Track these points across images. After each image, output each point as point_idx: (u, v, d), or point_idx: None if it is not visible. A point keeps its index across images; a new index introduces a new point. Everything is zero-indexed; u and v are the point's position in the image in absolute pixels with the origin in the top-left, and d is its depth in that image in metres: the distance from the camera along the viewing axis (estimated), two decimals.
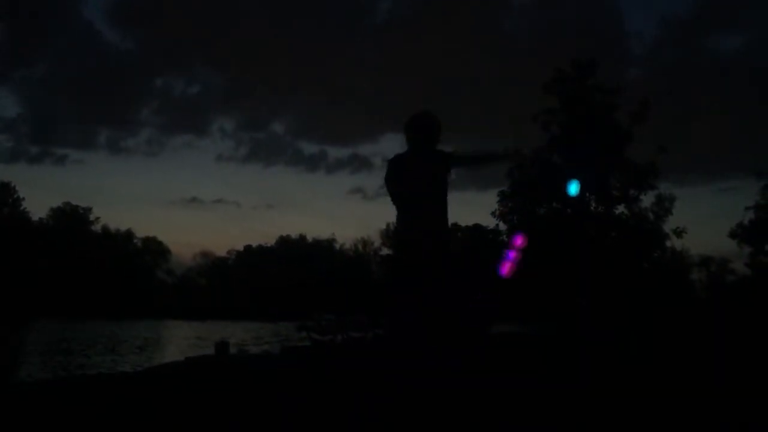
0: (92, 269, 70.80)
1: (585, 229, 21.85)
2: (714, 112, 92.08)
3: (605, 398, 4.78)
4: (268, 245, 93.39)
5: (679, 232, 22.78)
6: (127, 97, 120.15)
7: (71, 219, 78.54)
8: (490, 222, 29.38)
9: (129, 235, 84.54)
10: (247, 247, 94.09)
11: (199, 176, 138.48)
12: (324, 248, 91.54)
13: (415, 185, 3.62)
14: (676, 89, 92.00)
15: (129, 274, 76.09)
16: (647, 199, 23.01)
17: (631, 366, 7.60)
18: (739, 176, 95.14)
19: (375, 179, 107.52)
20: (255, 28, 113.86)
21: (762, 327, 18.06)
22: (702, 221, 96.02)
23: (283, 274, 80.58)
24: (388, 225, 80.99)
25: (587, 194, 22.85)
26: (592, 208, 22.90)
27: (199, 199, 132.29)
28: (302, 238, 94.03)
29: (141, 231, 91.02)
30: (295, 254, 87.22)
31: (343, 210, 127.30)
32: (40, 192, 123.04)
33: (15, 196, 72.07)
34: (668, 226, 23.03)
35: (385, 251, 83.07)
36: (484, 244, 59.60)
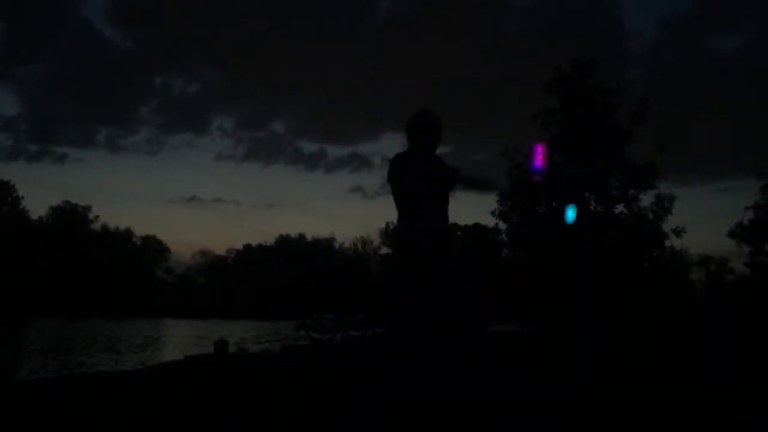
0: (92, 268, 70.79)
1: (584, 228, 21.85)
2: (714, 112, 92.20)
3: (605, 398, 4.78)
4: (268, 244, 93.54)
5: (678, 232, 22.79)
6: (127, 96, 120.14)
7: (71, 218, 78.52)
8: (489, 221, 29.37)
9: (128, 233, 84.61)
10: (247, 246, 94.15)
11: (199, 175, 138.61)
12: (323, 247, 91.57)
13: (416, 185, 3.61)
14: (676, 89, 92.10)
15: (128, 273, 76.09)
16: (647, 199, 23.03)
17: (631, 366, 7.60)
18: (739, 176, 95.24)
19: (375, 178, 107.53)
20: (255, 28, 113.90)
21: (761, 327, 18.07)
22: (702, 221, 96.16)
23: (283, 274, 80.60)
24: (387, 224, 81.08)
25: (587, 194, 22.86)
26: (591, 207, 22.91)
27: (198, 198, 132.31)
28: (302, 237, 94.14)
29: (140, 230, 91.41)
30: (295, 253, 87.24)
31: (343, 209, 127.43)
32: (40, 190, 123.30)
33: (14, 194, 72.10)
34: (668, 226, 23.05)
35: (385, 250, 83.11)
36: (483, 243, 59.70)
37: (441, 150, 3.86)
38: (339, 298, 61.90)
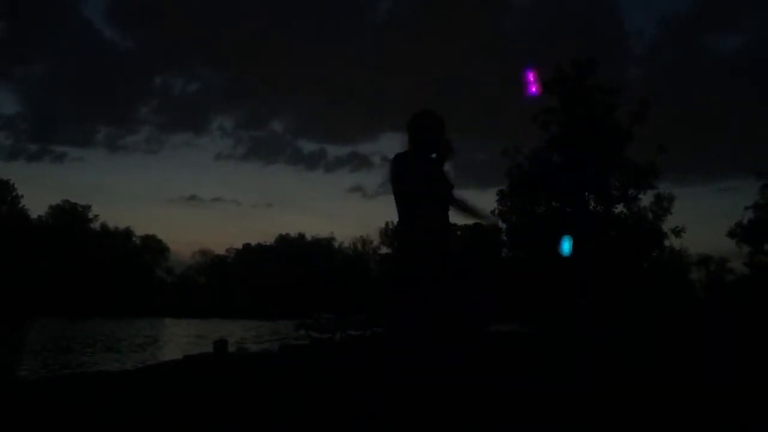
0: (91, 268, 70.78)
1: (584, 228, 21.86)
2: (714, 112, 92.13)
3: (605, 398, 4.78)
4: (267, 244, 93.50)
5: (677, 232, 22.82)
6: (127, 96, 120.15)
7: (70, 217, 78.48)
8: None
9: (128, 233, 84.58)
10: (246, 246, 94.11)
11: (199, 175, 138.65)
12: (323, 247, 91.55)
13: (416, 185, 3.61)
14: (676, 89, 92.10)
15: (128, 272, 76.09)
16: (646, 199, 23.06)
17: (631, 366, 7.60)
18: (739, 176, 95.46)
19: (374, 178, 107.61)
20: (255, 28, 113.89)
21: (761, 326, 18.08)
22: (701, 221, 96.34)
23: (282, 273, 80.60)
24: (387, 224, 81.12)
25: (587, 194, 22.87)
26: (591, 207, 22.92)
27: (198, 198, 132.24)
28: (301, 236, 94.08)
29: (140, 229, 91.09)
30: (294, 253, 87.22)
31: (343, 208, 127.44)
32: (39, 190, 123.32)
33: (14, 193, 72.01)
34: (667, 226, 23.08)
35: (384, 250, 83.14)
36: (483, 243, 59.70)
37: None
38: (339, 297, 61.91)
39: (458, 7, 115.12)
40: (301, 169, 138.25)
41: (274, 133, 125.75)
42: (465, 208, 3.89)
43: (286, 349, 13.16)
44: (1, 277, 56.82)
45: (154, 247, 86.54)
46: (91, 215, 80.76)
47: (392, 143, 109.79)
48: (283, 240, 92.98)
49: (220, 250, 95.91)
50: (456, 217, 3.83)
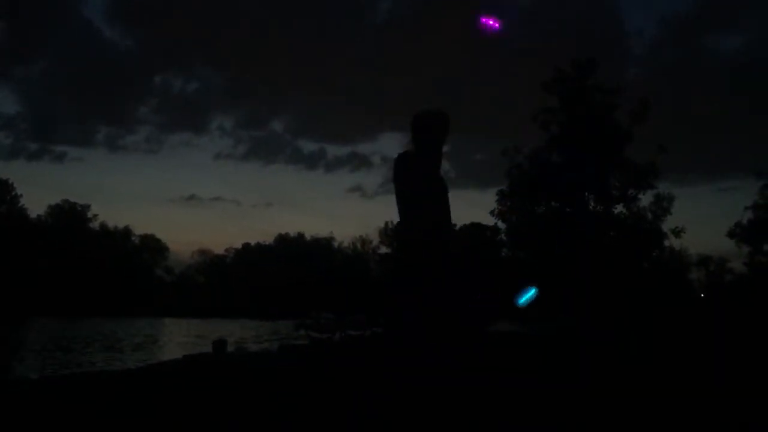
0: (91, 267, 70.74)
1: (584, 228, 21.85)
2: (714, 112, 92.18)
3: (605, 398, 4.77)
4: (267, 243, 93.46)
5: (677, 232, 22.79)
6: (126, 96, 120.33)
7: (69, 216, 78.45)
8: (489, 221, 29.39)
9: (127, 232, 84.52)
10: (246, 246, 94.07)
11: (198, 174, 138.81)
12: (323, 247, 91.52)
13: (417, 185, 3.61)
14: (676, 89, 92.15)
15: (128, 272, 76.05)
16: (646, 199, 23.03)
17: (631, 366, 7.60)
18: (739, 176, 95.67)
19: (374, 178, 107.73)
20: (255, 28, 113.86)
21: (760, 326, 18.08)
22: (701, 221, 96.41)
23: (282, 273, 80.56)
24: (386, 223, 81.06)
25: (587, 194, 22.87)
26: (591, 207, 22.91)
27: (197, 197, 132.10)
28: (301, 236, 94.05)
29: (139, 229, 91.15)
30: (294, 253, 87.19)
31: (342, 208, 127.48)
32: (39, 189, 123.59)
33: (13, 193, 71.93)
34: (667, 226, 23.06)
35: (384, 250, 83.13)
36: (483, 243, 59.67)
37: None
38: (338, 297, 61.85)
39: (458, 7, 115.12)
40: (301, 169, 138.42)
41: (274, 133, 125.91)
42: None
43: (285, 349, 13.16)
44: (0, 276, 56.79)
45: (153, 246, 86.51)
46: (90, 215, 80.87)
47: (392, 143, 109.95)
48: (283, 240, 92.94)
49: (220, 250, 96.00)
50: (453, 215, 3.82)
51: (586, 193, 22.85)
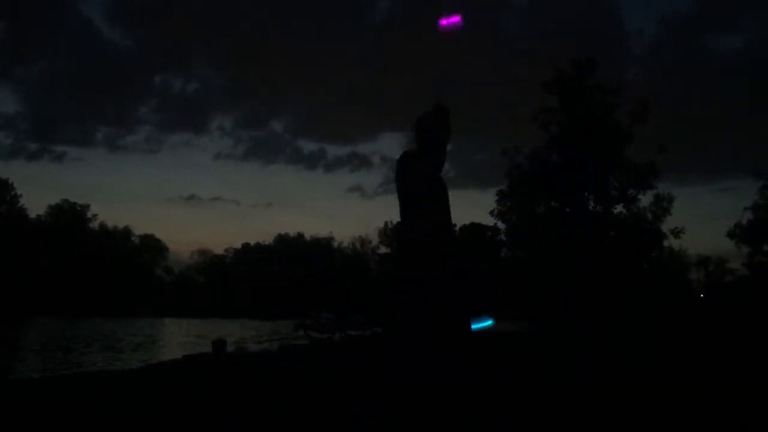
0: (91, 267, 70.73)
1: (584, 228, 21.86)
2: (714, 112, 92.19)
3: (605, 398, 4.77)
4: (267, 243, 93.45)
5: (677, 233, 22.81)
6: (126, 95, 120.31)
7: (69, 216, 78.44)
8: (489, 221, 29.42)
9: (127, 232, 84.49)
10: (246, 246, 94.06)
11: (198, 174, 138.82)
12: (322, 247, 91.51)
13: (417, 184, 3.61)
14: (676, 89, 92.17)
15: (128, 272, 76.03)
16: (646, 199, 23.05)
17: (631, 366, 7.60)
18: (739, 176, 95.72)
19: (374, 178, 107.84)
20: (255, 28, 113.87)
21: (760, 327, 18.07)
22: (701, 221, 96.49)
23: (282, 273, 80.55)
24: (386, 224, 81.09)
25: (587, 194, 22.87)
26: (591, 207, 22.92)
27: (197, 197, 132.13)
28: (301, 236, 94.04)
29: (139, 229, 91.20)
30: (294, 253, 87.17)
31: (342, 208, 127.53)
32: (38, 189, 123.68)
33: (13, 193, 71.89)
34: (667, 226, 23.07)
35: (384, 250, 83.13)
36: (483, 243, 59.69)
37: None
38: (338, 297, 61.85)
39: (458, 7, 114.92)
40: (301, 169, 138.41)
41: (274, 133, 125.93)
42: None
43: (285, 349, 13.15)
44: (0, 276, 56.77)
45: (152, 246, 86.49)
46: (90, 215, 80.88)
47: (392, 143, 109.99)
48: (283, 240, 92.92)
49: (220, 250, 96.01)
50: (453, 215, 3.81)
51: (586, 193, 22.86)
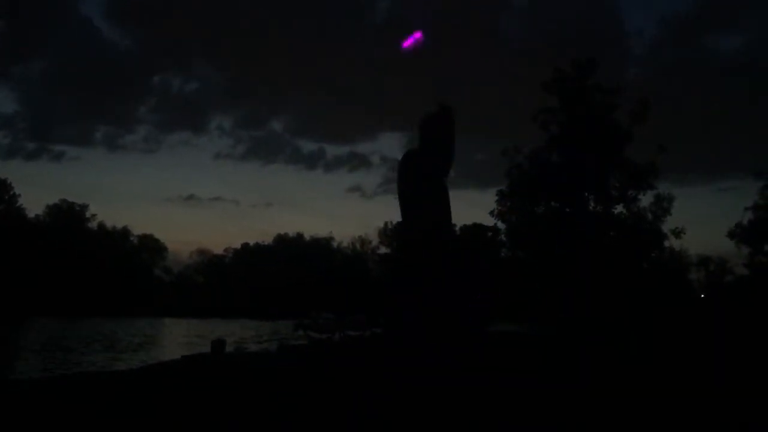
0: (90, 267, 70.68)
1: (584, 228, 21.86)
2: (714, 112, 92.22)
3: (605, 398, 4.77)
4: (266, 243, 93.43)
5: (677, 233, 22.83)
6: (125, 95, 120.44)
7: (68, 216, 78.39)
8: (489, 221, 29.42)
9: (125, 232, 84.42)
10: (245, 246, 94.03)
11: (197, 174, 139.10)
12: (322, 247, 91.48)
13: (417, 184, 3.60)
14: (676, 89, 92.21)
15: (127, 272, 75.98)
16: (646, 199, 23.07)
17: (631, 366, 7.59)
18: (739, 176, 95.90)
19: (374, 177, 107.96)
20: (255, 28, 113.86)
21: (760, 327, 18.08)
22: (701, 221, 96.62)
23: (282, 273, 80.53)
24: (386, 224, 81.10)
25: (587, 194, 22.88)
26: (591, 207, 22.92)
27: (196, 197, 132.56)
28: (300, 236, 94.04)
29: (138, 228, 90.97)
30: (293, 253, 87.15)
31: (342, 208, 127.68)
32: (37, 189, 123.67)
33: (11, 192, 71.87)
34: (667, 226, 23.09)
35: (384, 250, 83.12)
36: (483, 243, 59.68)
37: None
38: (338, 297, 61.83)
39: (458, 7, 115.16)
40: (301, 169, 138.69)
41: (274, 133, 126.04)
42: None
43: (284, 349, 13.13)
44: None
45: (151, 246, 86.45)
46: (88, 214, 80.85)
47: (392, 143, 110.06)
48: (282, 240, 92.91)
49: (219, 250, 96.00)
50: (454, 215, 3.81)
51: (586, 193, 22.87)
